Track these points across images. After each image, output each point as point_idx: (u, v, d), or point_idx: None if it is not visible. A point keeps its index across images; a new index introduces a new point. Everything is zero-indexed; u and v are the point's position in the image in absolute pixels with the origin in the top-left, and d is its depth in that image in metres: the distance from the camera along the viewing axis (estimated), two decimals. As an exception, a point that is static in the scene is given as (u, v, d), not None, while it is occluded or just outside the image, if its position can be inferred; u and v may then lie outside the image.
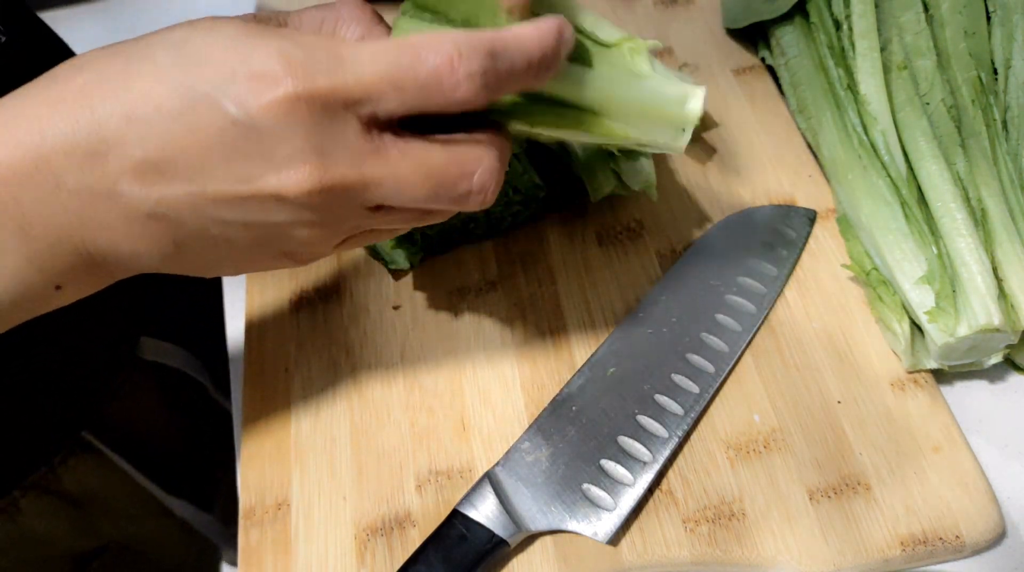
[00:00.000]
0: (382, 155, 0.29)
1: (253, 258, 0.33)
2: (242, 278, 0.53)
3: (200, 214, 0.30)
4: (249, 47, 0.29)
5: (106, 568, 0.62)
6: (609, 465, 0.42)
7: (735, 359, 0.46)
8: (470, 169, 0.30)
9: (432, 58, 0.28)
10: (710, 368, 0.45)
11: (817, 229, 0.51)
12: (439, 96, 0.29)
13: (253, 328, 0.50)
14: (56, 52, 0.57)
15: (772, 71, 0.59)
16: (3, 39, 0.47)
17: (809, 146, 0.55)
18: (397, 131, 0.30)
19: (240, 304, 0.52)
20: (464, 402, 0.46)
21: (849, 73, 0.52)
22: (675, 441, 0.43)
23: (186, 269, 0.33)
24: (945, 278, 0.44)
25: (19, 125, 0.29)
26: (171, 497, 0.64)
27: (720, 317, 0.47)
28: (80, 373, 0.54)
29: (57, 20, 0.57)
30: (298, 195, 0.29)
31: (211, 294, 0.55)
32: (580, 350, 0.48)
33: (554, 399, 0.45)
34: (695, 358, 0.46)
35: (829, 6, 0.54)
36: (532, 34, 0.30)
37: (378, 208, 0.31)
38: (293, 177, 0.29)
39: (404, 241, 0.51)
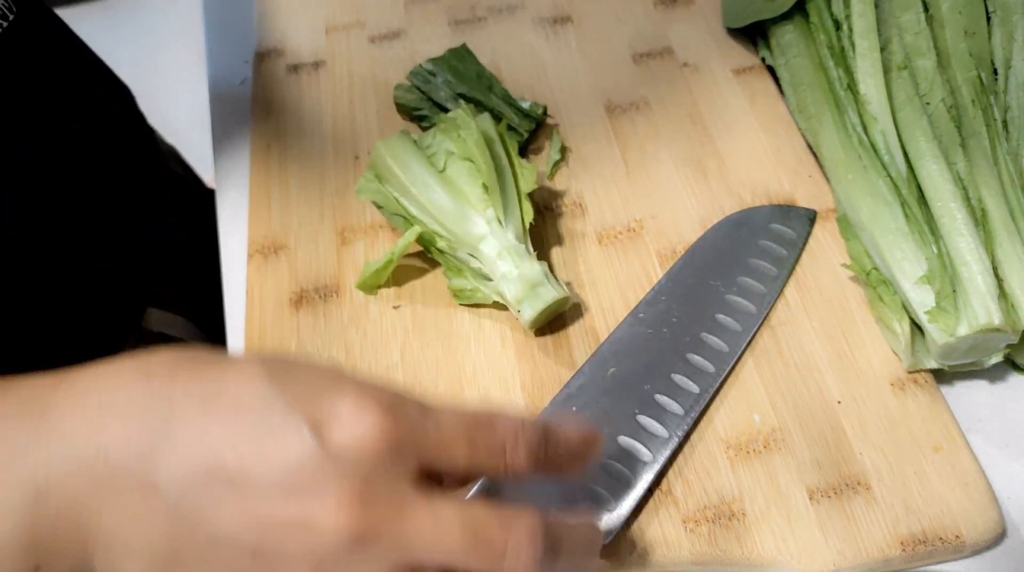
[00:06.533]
0: (427, 501, 0.29)
1: None
2: (242, 278, 0.52)
3: (227, 530, 0.28)
4: (339, 384, 0.30)
5: None
6: (609, 465, 0.42)
7: (735, 359, 0.46)
8: (511, 522, 0.30)
9: (503, 425, 0.32)
10: (710, 368, 0.45)
11: (817, 229, 0.51)
12: (499, 461, 0.31)
13: (253, 328, 0.50)
14: (62, 36, 0.57)
15: (772, 71, 0.59)
16: (11, 17, 0.47)
17: (809, 146, 0.55)
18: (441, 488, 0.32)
19: (240, 304, 0.52)
20: (464, 402, 0.46)
21: (849, 73, 0.52)
22: (675, 441, 0.43)
23: None
24: (945, 278, 0.44)
25: (80, 439, 0.28)
26: None
27: (720, 317, 0.47)
28: (87, 343, 0.54)
29: (57, 20, 0.57)
30: (329, 526, 0.27)
31: (214, 267, 0.55)
32: (580, 350, 0.48)
33: (554, 399, 0.45)
34: (695, 358, 0.46)
35: (829, 6, 0.54)
36: (575, 433, 0.34)
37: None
38: (332, 508, 0.28)
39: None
